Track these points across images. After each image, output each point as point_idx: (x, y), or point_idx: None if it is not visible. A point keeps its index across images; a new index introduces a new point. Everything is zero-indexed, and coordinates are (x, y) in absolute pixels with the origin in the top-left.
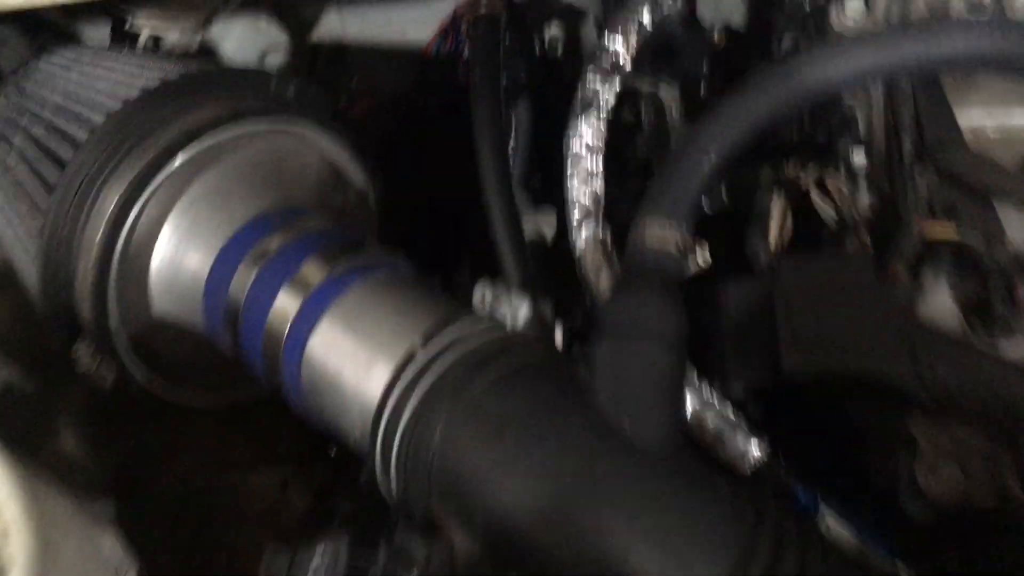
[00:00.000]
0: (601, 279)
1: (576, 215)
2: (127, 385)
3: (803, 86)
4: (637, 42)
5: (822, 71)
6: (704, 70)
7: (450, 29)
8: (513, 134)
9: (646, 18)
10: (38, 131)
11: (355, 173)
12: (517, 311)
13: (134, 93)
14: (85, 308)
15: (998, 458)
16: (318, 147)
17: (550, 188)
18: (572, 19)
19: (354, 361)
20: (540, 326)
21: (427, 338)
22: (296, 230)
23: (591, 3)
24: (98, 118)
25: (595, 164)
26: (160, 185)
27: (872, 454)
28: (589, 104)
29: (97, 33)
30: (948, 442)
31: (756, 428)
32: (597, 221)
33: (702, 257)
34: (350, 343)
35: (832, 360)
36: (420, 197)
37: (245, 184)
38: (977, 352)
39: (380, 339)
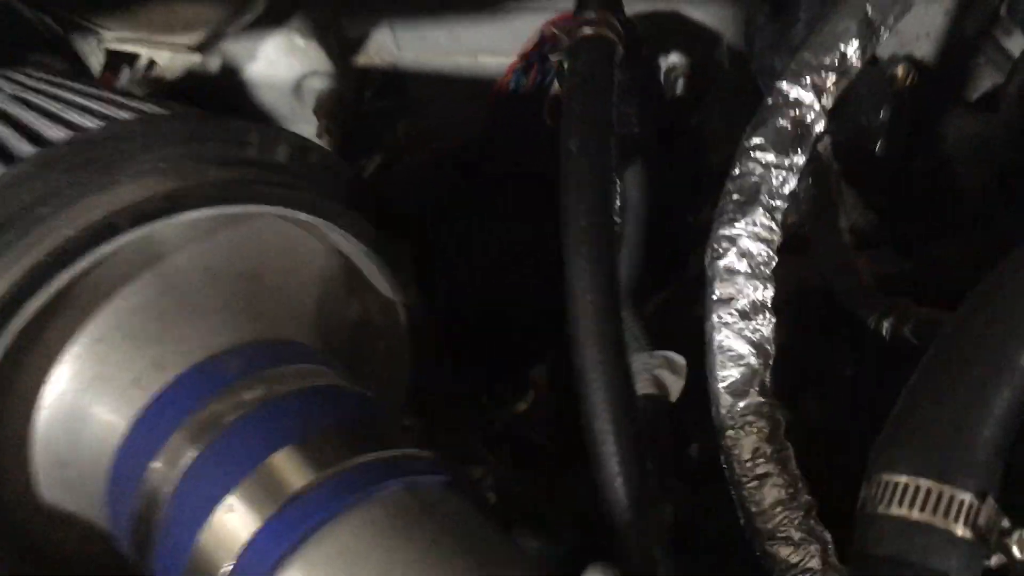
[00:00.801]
0: (767, 494)
1: (727, 373)
2: None
3: None
4: (836, 89)
5: None
6: (882, 117)
7: (535, 56)
8: (618, 215)
9: (853, 50)
10: None
11: (379, 276)
12: None
13: (26, 150)
14: None
15: None
16: (323, 238)
17: (678, 310)
18: (699, 44)
19: None
20: None
21: None
22: (268, 387)
23: (727, 23)
24: None
25: (762, 291)
26: (50, 305)
27: None
28: (754, 191)
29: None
30: None
31: None
32: (762, 387)
33: (1018, 543)
34: None
35: None
36: (483, 300)
37: (195, 303)
38: None
39: None
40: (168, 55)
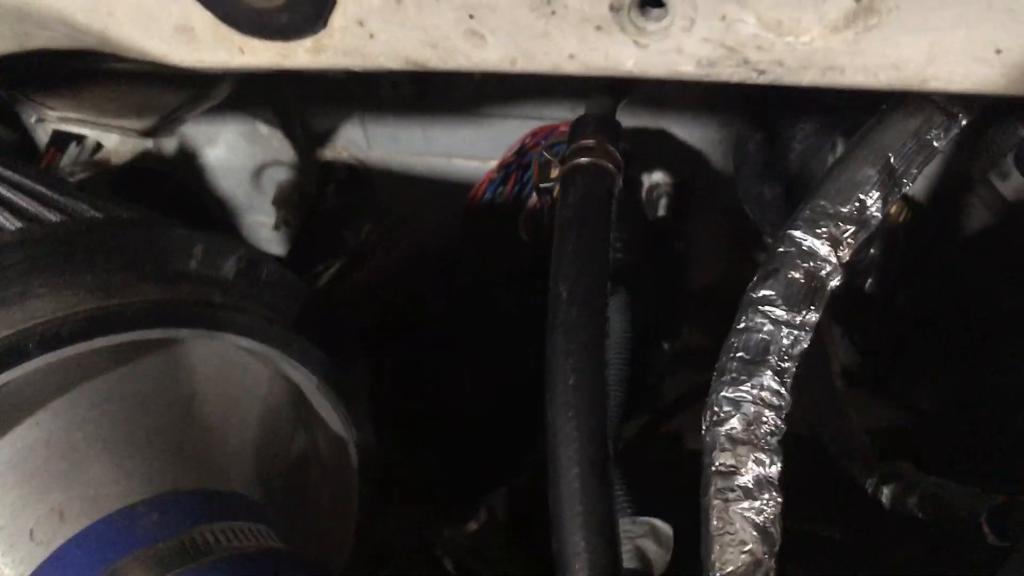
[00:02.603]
0: None
1: (727, 560)
2: None
3: None
4: (855, 242)
5: None
6: (873, 253)
7: (514, 166)
8: None
9: (873, 200)
10: None
11: (331, 410)
12: None
13: None
14: None
15: None
16: (269, 362)
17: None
18: (683, 164)
19: None
20: None
21: None
22: (186, 554)
23: (713, 145)
24: None
25: (768, 465)
26: None
27: None
28: (762, 350)
29: None
30: None
31: None
32: None
33: None
34: None
35: None
36: (444, 432)
37: (113, 438)
38: None
39: None
40: (117, 138)
